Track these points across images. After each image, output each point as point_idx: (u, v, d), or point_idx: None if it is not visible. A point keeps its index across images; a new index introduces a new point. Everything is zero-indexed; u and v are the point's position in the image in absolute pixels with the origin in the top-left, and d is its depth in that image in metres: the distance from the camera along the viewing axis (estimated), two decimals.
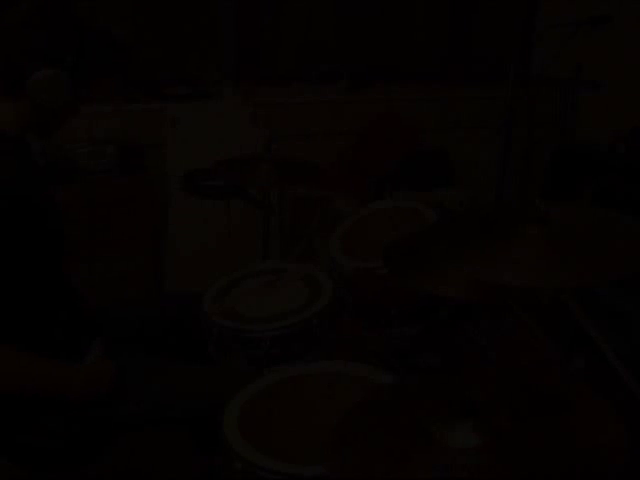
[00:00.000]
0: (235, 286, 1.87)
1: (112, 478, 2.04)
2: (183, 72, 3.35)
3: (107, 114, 2.82)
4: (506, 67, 3.72)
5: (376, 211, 2.04)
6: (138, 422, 1.54)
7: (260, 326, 1.66)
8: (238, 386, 1.43)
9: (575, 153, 3.68)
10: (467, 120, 3.76)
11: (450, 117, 3.71)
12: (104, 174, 2.83)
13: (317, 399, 1.47)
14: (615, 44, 3.56)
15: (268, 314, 1.72)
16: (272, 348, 1.63)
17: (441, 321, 1.79)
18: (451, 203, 3.44)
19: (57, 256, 1.52)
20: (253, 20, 3.36)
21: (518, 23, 4.05)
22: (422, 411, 1.07)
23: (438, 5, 3.88)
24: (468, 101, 3.75)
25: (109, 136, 2.86)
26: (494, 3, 3.96)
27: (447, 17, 3.89)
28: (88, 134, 2.81)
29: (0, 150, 1.39)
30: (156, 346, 1.79)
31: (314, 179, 2.70)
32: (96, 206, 2.85)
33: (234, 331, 1.67)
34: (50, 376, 1.42)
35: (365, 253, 1.89)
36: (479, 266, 1.10)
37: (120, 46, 1.52)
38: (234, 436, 1.29)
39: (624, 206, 2.93)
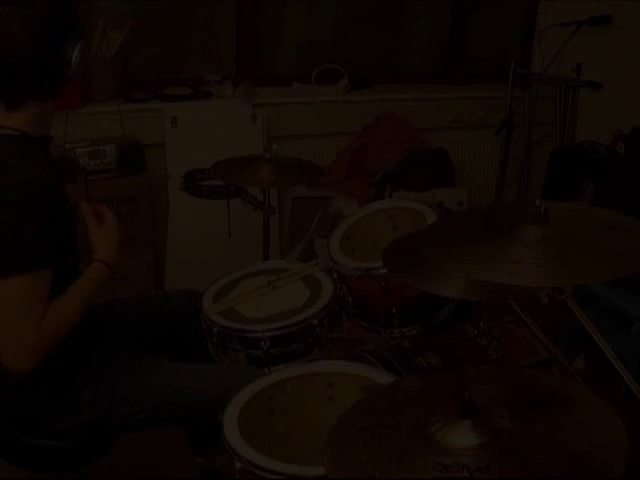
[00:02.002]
0: (235, 286, 1.87)
1: (112, 478, 2.05)
2: (183, 72, 3.35)
3: (107, 114, 2.82)
4: (506, 67, 3.73)
5: (376, 211, 2.03)
6: (138, 422, 1.54)
7: (260, 326, 1.66)
8: (238, 386, 1.43)
9: (575, 153, 3.68)
10: (467, 120, 3.75)
11: (450, 117, 3.71)
12: (104, 174, 2.83)
13: (317, 399, 1.47)
14: (615, 44, 3.56)
15: (268, 314, 1.72)
16: (272, 348, 1.63)
17: (441, 321, 1.79)
18: (451, 203, 3.44)
19: (69, 255, 1.53)
20: (253, 20, 3.36)
21: (518, 23, 4.05)
22: (422, 411, 1.07)
23: (438, 5, 3.88)
24: (468, 101, 3.75)
25: (109, 136, 2.86)
26: (494, 3, 3.96)
27: (447, 17, 3.89)
28: (88, 134, 2.80)
29: (30, 153, 1.42)
30: (156, 346, 1.79)
31: (314, 179, 2.70)
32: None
33: (234, 331, 1.67)
34: (91, 287, 1.48)
35: (365, 253, 1.89)
36: (479, 266, 1.10)
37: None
38: (234, 436, 1.29)
39: (624, 206, 2.92)
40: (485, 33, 3.97)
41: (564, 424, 1.02)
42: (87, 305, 1.46)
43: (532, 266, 1.08)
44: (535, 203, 1.16)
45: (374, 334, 1.84)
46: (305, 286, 1.84)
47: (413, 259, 1.38)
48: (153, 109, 3.01)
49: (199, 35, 3.40)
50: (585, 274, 1.09)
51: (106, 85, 2.91)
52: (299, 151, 2.88)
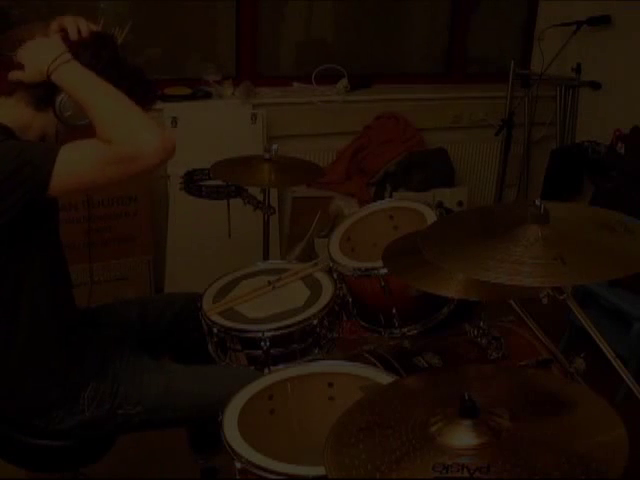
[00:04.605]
0: (235, 286, 1.87)
1: (112, 478, 2.05)
2: (183, 72, 3.36)
3: None
4: (506, 67, 3.73)
5: (376, 211, 2.03)
6: (138, 423, 1.54)
7: (260, 326, 1.66)
8: (238, 386, 1.43)
9: (575, 153, 3.68)
10: (467, 120, 3.76)
11: (450, 117, 3.71)
12: None
13: (317, 399, 1.47)
14: (615, 44, 3.56)
15: (268, 314, 1.72)
16: (272, 348, 1.63)
17: (441, 321, 1.79)
18: (451, 203, 3.44)
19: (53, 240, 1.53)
20: (253, 20, 3.36)
21: (518, 23, 4.06)
22: (422, 411, 1.07)
23: (438, 5, 3.88)
24: (468, 101, 3.75)
25: None
26: (494, 3, 3.96)
27: (447, 17, 3.89)
28: None
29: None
30: (156, 346, 1.79)
31: (314, 179, 2.70)
32: (96, 206, 2.85)
33: (234, 331, 1.67)
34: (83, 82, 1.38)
35: (365, 253, 1.89)
36: (479, 266, 1.10)
37: (148, 81, 1.57)
38: (234, 436, 1.29)
39: (624, 206, 2.93)
40: (485, 33, 3.97)
41: (564, 424, 1.02)
42: (104, 88, 1.37)
43: (532, 266, 1.08)
44: (535, 203, 1.17)
45: (374, 334, 1.84)
46: (305, 286, 1.84)
47: (413, 259, 1.38)
48: (153, 109, 3.00)
49: (199, 35, 3.40)
50: (585, 274, 1.09)
51: None
52: (299, 151, 2.88)
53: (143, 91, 1.50)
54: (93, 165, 1.33)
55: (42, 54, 1.38)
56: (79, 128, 1.42)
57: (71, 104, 1.39)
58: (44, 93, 1.39)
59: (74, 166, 1.31)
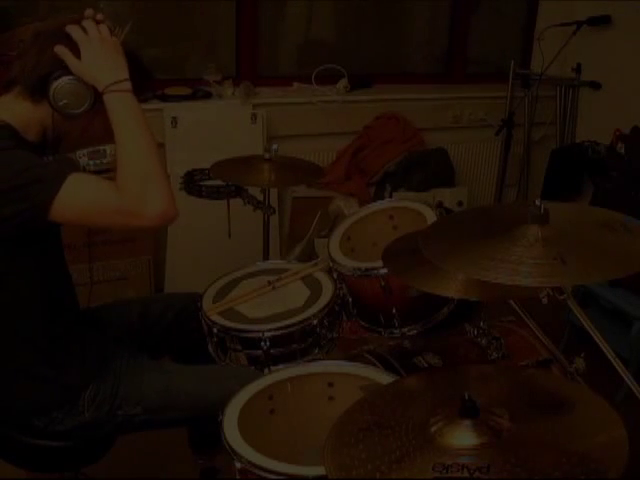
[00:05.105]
0: (235, 286, 1.87)
1: (112, 478, 2.05)
2: (183, 72, 3.36)
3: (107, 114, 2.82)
4: (506, 67, 3.73)
5: (376, 211, 2.03)
6: (138, 423, 1.54)
7: (260, 326, 1.66)
8: (238, 386, 1.43)
9: (575, 153, 3.68)
10: (467, 120, 3.76)
11: (450, 117, 3.71)
12: (104, 174, 2.83)
13: (317, 399, 1.47)
14: (615, 44, 3.56)
15: (268, 314, 1.72)
16: (272, 348, 1.63)
17: (441, 321, 1.79)
18: (451, 203, 3.44)
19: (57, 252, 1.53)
20: (253, 20, 3.36)
21: (518, 23, 4.06)
22: (422, 411, 1.07)
23: (438, 5, 3.88)
24: (468, 101, 3.75)
25: None
26: (494, 3, 3.96)
27: (447, 17, 3.89)
28: None
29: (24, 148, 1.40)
30: (156, 346, 1.79)
31: (314, 179, 2.70)
32: None
33: (234, 331, 1.67)
34: (127, 119, 1.38)
35: (365, 253, 1.89)
36: (479, 266, 1.10)
37: (147, 71, 1.55)
38: (234, 436, 1.29)
39: (624, 206, 2.93)
40: (485, 33, 3.97)
41: (564, 424, 1.02)
42: (143, 134, 1.36)
43: (532, 266, 1.08)
44: (535, 203, 1.17)
45: (374, 334, 1.84)
46: (305, 286, 1.84)
47: (413, 259, 1.38)
48: (153, 109, 3.01)
49: (199, 35, 3.40)
50: (585, 274, 1.09)
51: None
52: (299, 151, 2.88)
53: (140, 78, 1.47)
54: (94, 205, 1.33)
55: (107, 67, 1.38)
56: (74, 117, 1.41)
57: (65, 93, 1.37)
58: (38, 82, 1.38)
59: (77, 198, 1.31)
